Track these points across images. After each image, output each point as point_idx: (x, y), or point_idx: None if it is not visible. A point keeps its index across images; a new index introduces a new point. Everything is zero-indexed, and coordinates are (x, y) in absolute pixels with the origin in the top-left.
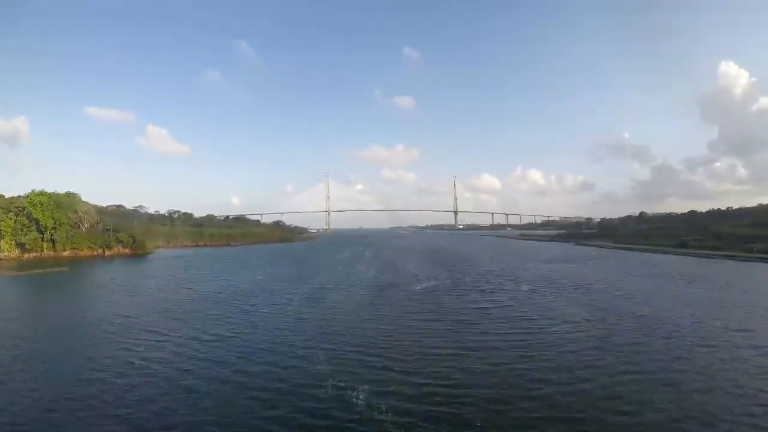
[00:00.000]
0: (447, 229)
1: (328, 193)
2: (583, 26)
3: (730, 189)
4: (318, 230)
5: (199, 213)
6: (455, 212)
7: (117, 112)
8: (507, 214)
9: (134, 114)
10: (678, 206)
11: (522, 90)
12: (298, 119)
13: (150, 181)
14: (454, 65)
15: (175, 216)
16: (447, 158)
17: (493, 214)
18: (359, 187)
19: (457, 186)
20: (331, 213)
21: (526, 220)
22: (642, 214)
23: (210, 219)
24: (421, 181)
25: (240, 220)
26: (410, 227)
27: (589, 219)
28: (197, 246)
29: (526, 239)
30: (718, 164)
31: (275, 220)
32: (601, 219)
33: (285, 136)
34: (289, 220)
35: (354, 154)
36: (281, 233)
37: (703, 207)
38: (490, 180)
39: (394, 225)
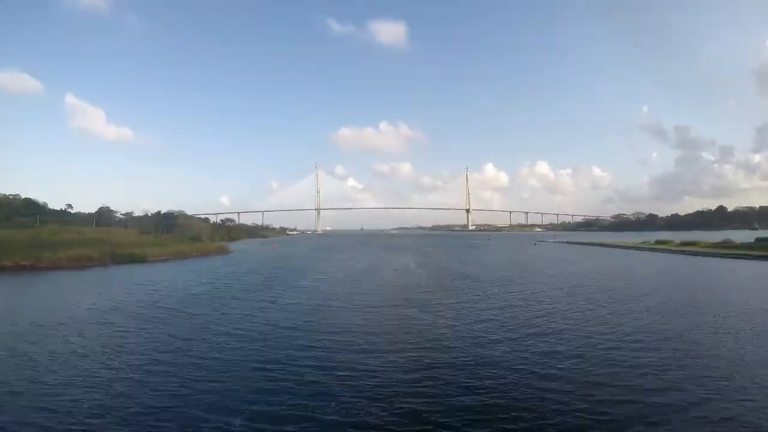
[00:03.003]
0: (458, 230)
1: (317, 188)
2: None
3: (758, 185)
4: (304, 232)
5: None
6: (468, 210)
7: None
8: (527, 213)
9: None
10: (697, 205)
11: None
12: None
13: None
14: None
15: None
16: (449, 139)
17: (510, 212)
18: (351, 180)
19: (461, 181)
20: (321, 211)
21: (546, 220)
22: (721, 208)
23: (105, 214)
24: (421, 175)
25: (168, 217)
26: (415, 228)
27: (652, 215)
28: None
29: (670, 253)
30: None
31: (223, 219)
32: (671, 215)
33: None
34: (271, 219)
35: (333, 138)
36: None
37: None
38: (495, 173)
39: (398, 225)
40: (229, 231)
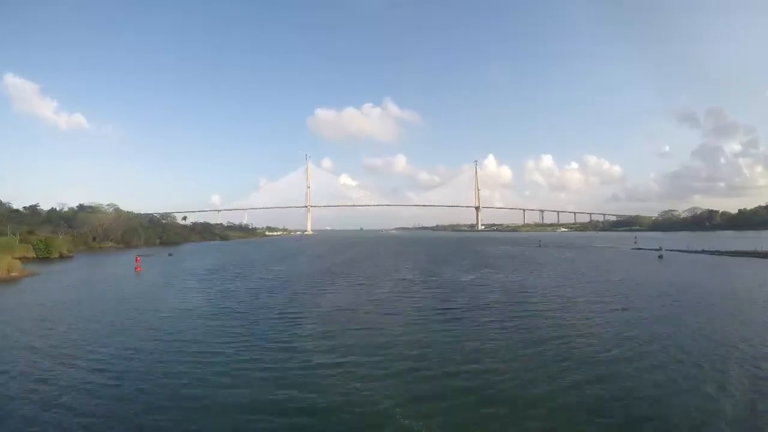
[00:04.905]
0: (466, 230)
1: (308, 183)
2: None
3: None
4: (292, 233)
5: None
6: (477, 208)
7: None
8: (542, 211)
9: None
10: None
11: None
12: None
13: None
14: None
15: None
16: (446, 126)
17: (524, 210)
18: (344, 177)
19: (462, 177)
20: (314, 210)
21: (563, 218)
22: None
23: None
24: (418, 170)
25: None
26: (417, 227)
27: (711, 211)
28: None
29: None
30: None
31: (160, 215)
32: (738, 211)
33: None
34: (258, 218)
35: (311, 122)
36: None
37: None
38: (496, 168)
39: (398, 225)
40: (163, 230)
